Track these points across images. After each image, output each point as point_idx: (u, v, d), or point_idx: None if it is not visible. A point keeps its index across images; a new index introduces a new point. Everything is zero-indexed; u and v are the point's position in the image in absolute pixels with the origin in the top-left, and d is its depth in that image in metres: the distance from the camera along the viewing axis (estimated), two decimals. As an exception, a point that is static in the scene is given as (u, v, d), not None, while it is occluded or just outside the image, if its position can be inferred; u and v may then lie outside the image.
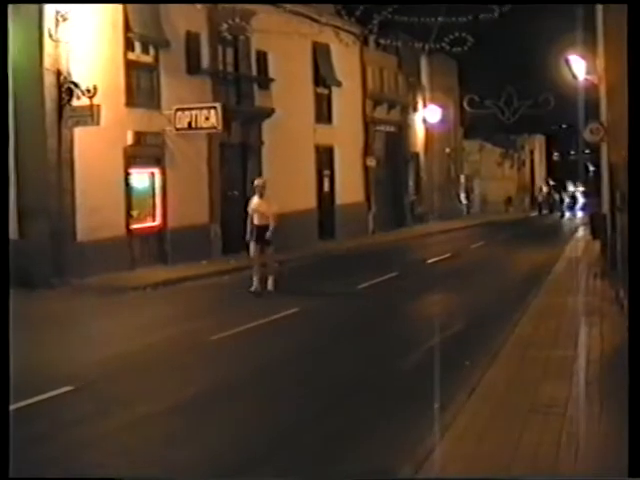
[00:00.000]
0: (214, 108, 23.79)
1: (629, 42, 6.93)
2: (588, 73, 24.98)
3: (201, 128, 24.08)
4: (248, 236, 18.87)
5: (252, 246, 18.86)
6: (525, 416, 8.43)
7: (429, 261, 26.09)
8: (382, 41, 35.59)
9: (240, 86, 28.29)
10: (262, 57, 29.34)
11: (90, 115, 20.28)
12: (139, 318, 16.35)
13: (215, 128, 23.88)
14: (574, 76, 26.66)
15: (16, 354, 12.27)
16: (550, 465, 7.02)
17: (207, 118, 23.69)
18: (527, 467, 7.02)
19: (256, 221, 18.76)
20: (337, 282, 21.13)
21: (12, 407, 9.18)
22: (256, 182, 19.67)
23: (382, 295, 19.12)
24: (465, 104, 45.38)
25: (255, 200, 19.01)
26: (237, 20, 25.43)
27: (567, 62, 26.91)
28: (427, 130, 47.61)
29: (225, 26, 24.89)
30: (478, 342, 12.95)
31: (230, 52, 27.89)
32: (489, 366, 10.83)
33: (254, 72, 28.99)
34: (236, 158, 28.24)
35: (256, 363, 12.05)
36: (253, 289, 18.62)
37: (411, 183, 45.46)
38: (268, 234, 18.60)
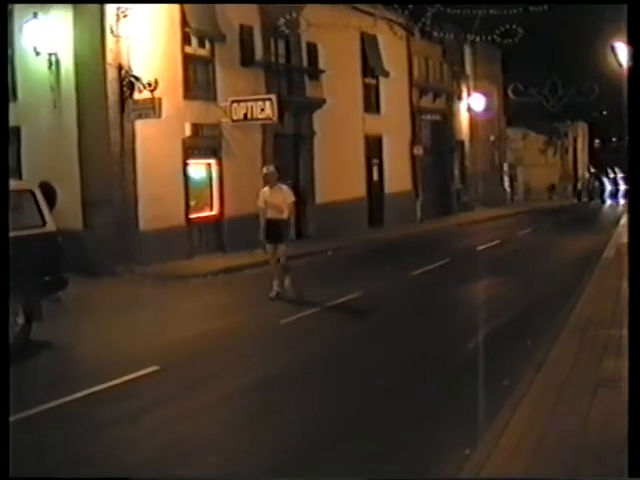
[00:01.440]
0: (269, 100, 24.30)
1: (629, 42, 7.01)
2: (634, 60, 25.07)
3: (256, 119, 24.58)
4: (262, 234, 16.61)
5: (267, 244, 16.74)
6: (592, 390, 8.84)
7: (479, 248, 26.45)
8: (431, 32, 35.91)
9: (292, 77, 28.84)
10: (312, 49, 29.83)
11: (152, 108, 20.88)
12: (205, 304, 16.96)
13: (270, 119, 24.38)
14: (619, 64, 26.82)
15: (95, 337, 13.02)
16: (622, 432, 7.43)
17: (262, 109, 24.20)
18: (599, 436, 7.45)
19: (270, 215, 16.43)
20: (392, 269, 21.56)
21: (102, 386, 9.87)
22: (265, 170, 17.26)
23: (437, 281, 19.60)
24: (509, 92, 45.70)
25: (266, 191, 16.66)
26: (292, 15, 25.89)
27: (613, 49, 27.07)
28: (471, 118, 47.82)
29: (282, 20, 25.41)
30: (538, 323, 13.37)
31: (282, 44, 28.40)
32: (552, 345, 11.25)
33: (305, 63, 29.52)
34: (289, 148, 28.78)
35: (327, 344, 12.60)
36: (273, 294, 16.41)
37: (456, 171, 45.71)
38: (284, 229, 16.68)
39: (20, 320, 12.69)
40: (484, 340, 12.24)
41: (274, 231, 16.41)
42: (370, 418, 8.85)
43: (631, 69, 6.76)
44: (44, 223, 13.40)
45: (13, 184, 14.76)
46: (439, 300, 16.66)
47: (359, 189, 33.64)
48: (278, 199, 16.49)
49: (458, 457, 7.21)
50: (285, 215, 16.52)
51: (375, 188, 35.17)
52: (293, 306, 15.71)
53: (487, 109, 48.86)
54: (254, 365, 11.32)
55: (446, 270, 21.25)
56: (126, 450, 7.91)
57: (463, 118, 47.00)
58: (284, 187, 17.04)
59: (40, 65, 21.43)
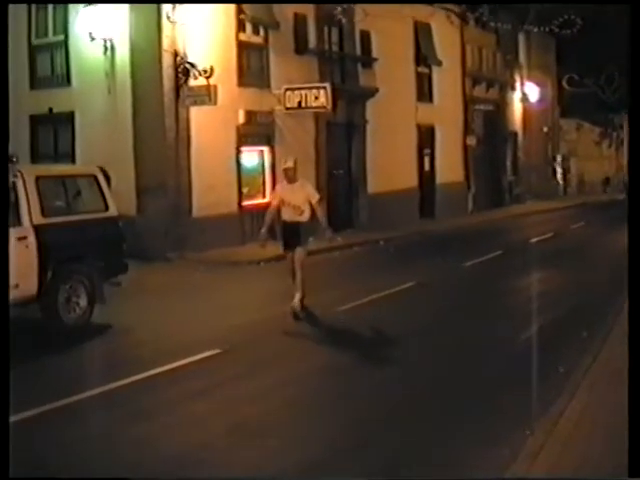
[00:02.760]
0: (323, 88, 24.68)
1: (632, 42, 7.25)
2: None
3: (310, 107, 24.97)
4: (263, 232, 14.61)
5: (286, 252, 14.76)
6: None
7: (532, 240, 26.69)
8: (486, 21, 36.10)
9: (345, 65, 29.18)
10: (365, 37, 30.14)
11: (207, 95, 21.38)
12: (261, 290, 17.43)
13: (324, 107, 24.78)
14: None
15: (156, 320, 13.53)
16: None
17: (316, 97, 24.58)
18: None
19: (286, 216, 14.33)
20: (444, 259, 21.93)
21: (168, 367, 10.35)
22: (286, 163, 14.92)
23: (491, 272, 19.93)
24: (564, 82, 45.59)
25: (283, 187, 14.79)
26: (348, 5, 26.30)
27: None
28: (525, 109, 47.84)
29: (339, 9, 25.81)
30: (593, 315, 13.70)
31: (335, 32, 28.78)
32: (607, 336, 11.59)
33: (358, 52, 29.86)
34: (341, 137, 29.16)
35: (386, 332, 13.04)
36: (294, 307, 14.16)
37: (509, 163, 45.79)
38: (326, 230, 14.89)
39: (82, 303, 13.26)
40: (539, 330, 12.58)
41: (291, 236, 14.34)
42: (427, 404, 9.26)
43: (633, 69, 6.98)
44: (107, 208, 13.94)
45: (77, 168, 15.42)
46: (493, 291, 17.01)
47: (411, 179, 33.98)
48: (298, 198, 14.25)
49: (518, 438, 7.61)
50: (305, 217, 14.33)
51: (427, 178, 35.47)
52: (349, 292, 16.19)
53: (541, 99, 48.86)
54: (314, 351, 11.79)
55: (499, 262, 21.56)
56: (190, 430, 8.37)
57: (516, 108, 47.03)
58: (306, 184, 14.93)
59: (95, 51, 21.92)
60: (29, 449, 7.56)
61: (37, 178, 12.92)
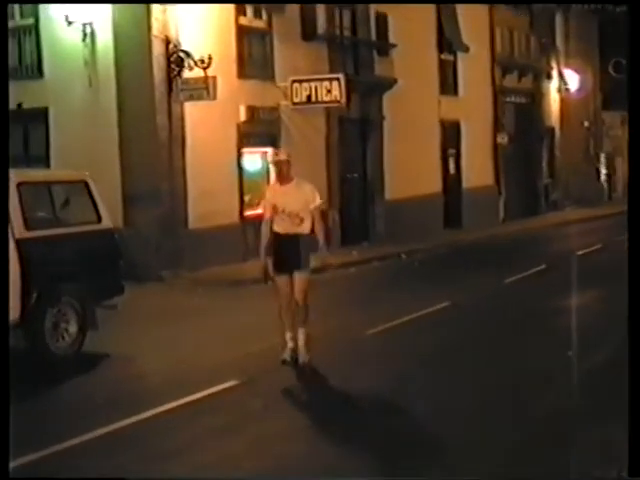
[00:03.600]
0: (336, 79, 24.75)
1: (629, 42, 7.51)
2: None
3: (322, 102, 25.07)
4: (263, 254, 12.81)
5: (276, 275, 12.83)
6: None
7: (579, 253, 26.71)
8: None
9: (358, 53, 29.31)
10: (382, 20, 30.24)
11: (205, 88, 21.42)
12: (271, 312, 17.41)
13: (338, 102, 24.86)
14: None
15: (158, 349, 13.58)
16: None
17: (329, 91, 24.64)
18: None
19: (280, 227, 12.51)
20: (479, 275, 21.98)
21: (174, 404, 10.43)
22: (275, 156, 13.97)
23: (535, 289, 19.97)
24: (610, 69, 45.42)
25: (276, 190, 12.97)
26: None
27: None
28: (562, 100, 47.82)
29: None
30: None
31: (347, 15, 28.91)
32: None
33: (374, 37, 29.98)
34: (355, 135, 29.32)
35: (418, 358, 13.14)
36: (286, 355, 12.69)
37: (544, 163, 45.81)
38: (321, 247, 12.77)
39: (72, 329, 13.31)
40: (604, 356, 12.61)
41: (287, 254, 12.45)
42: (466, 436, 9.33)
43: (631, 68, 7.18)
44: (99, 219, 14.01)
45: (65, 174, 15.48)
46: (540, 310, 16.99)
47: (433, 183, 34.09)
48: (294, 202, 12.48)
49: None
50: (305, 228, 12.50)
51: (452, 182, 35.57)
52: (376, 314, 16.31)
53: (580, 89, 48.80)
54: (340, 379, 11.85)
55: (544, 278, 21.61)
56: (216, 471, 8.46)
57: (553, 100, 46.98)
58: (304, 184, 12.87)
59: (72, 37, 21.97)
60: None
61: (19, 184, 12.86)
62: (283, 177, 12.72)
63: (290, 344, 12.65)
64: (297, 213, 12.42)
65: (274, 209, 12.52)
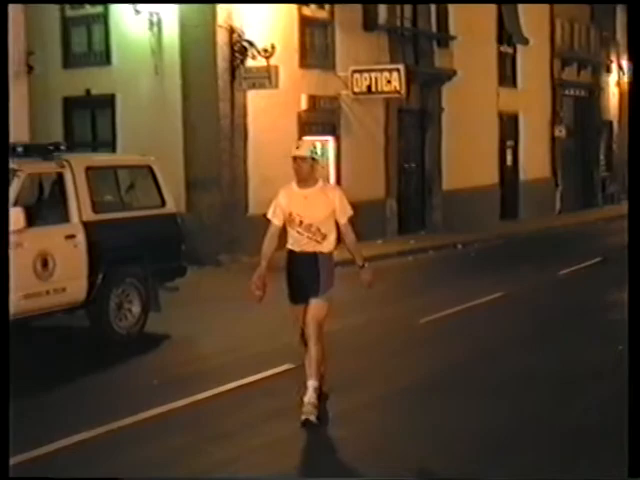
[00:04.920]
0: (397, 70, 24.86)
1: (629, 42, 7.48)
2: None
3: (382, 92, 25.19)
4: (260, 274, 9.87)
5: (292, 306, 10.19)
6: None
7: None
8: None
9: (419, 44, 29.30)
10: (442, 12, 30.28)
11: (267, 77, 21.59)
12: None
13: (398, 93, 24.96)
14: None
15: (218, 331, 13.77)
16: None
17: (389, 81, 24.75)
18: None
19: (296, 244, 9.79)
20: (533, 267, 21.90)
21: (232, 385, 10.60)
22: (297, 150, 9.89)
23: (589, 282, 19.92)
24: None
25: (293, 194, 9.86)
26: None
27: None
28: (621, 95, 47.42)
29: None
30: None
31: (408, 6, 28.91)
32: None
33: (434, 28, 30.03)
34: (413, 126, 29.39)
35: (472, 346, 13.22)
36: (306, 404, 9.44)
37: (602, 157, 45.50)
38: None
39: (135, 309, 13.55)
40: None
41: (303, 279, 9.78)
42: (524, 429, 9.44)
43: (631, 68, 7.18)
44: (163, 203, 14.22)
45: (130, 158, 15.72)
46: (596, 303, 16.98)
47: (491, 175, 34.10)
48: (318, 213, 9.66)
49: None
50: (328, 246, 9.76)
51: (509, 174, 35.55)
52: (432, 302, 16.45)
53: None
54: (397, 366, 12.03)
55: (600, 270, 21.56)
56: (273, 452, 8.66)
57: (612, 94, 46.58)
58: (332, 189, 10.35)
59: (140, 26, 22.21)
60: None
61: (87, 169, 13.17)
62: (303, 178, 9.60)
63: (310, 390, 9.53)
64: (318, 227, 9.53)
65: (289, 218, 9.62)
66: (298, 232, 9.59)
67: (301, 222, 9.54)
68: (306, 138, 24.18)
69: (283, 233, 9.72)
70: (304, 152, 9.66)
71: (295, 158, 9.59)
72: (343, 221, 9.62)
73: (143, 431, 9.18)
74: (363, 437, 9.14)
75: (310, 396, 9.40)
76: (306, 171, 9.57)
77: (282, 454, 8.58)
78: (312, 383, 9.51)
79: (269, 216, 9.85)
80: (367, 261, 9.96)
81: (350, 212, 9.69)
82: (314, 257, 9.62)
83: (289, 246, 9.76)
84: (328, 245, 9.66)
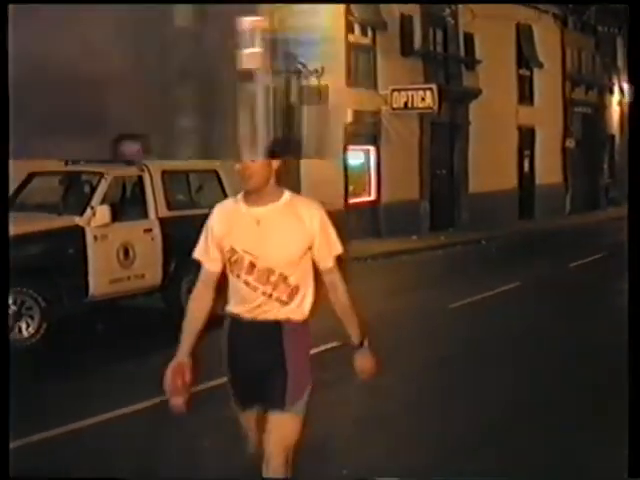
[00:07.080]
0: (430, 89, 24.77)
1: (630, 42, 7.11)
2: None
3: (417, 108, 25.07)
4: (179, 362, 5.07)
5: (240, 411, 5.08)
6: None
7: (634, 242, 26.22)
8: (590, 23, 35.61)
9: (449, 67, 29.10)
10: (469, 39, 30.04)
11: (318, 95, 21.52)
12: (370, 286, 17.36)
13: (430, 108, 24.83)
14: None
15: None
16: None
17: (423, 99, 24.66)
18: None
19: (239, 306, 4.88)
20: (548, 259, 21.60)
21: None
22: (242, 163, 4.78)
23: (596, 273, 19.60)
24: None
25: (237, 216, 4.87)
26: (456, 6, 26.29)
27: None
28: (622, 112, 47.03)
29: (447, 11, 25.79)
30: None
31: (440, 34, 28.74)
32: None
33: (462, 53, 29.76)
34: (444, 137, 29.11)
35: (499, 330, 12.92)
36: None
37: (605, 165, 45.12)
38: (362, 353, 5.19)
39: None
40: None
41: (257, 368, 4.89)
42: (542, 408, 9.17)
43: (631, 69, 6.86)
44: (227, 205, 14.06)
45: (199, 163, 15.65)
46: (602, 293, 16.63)
47: (511, 180, 33.80)
48: (281, 249, 4.78)
49: None
50: (298, 309, 4.91)
51: (526, 179, 35.27)
52: (457, 289, 16.16)
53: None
54: (427, 348, 11.78)
55: (605, 263, 21.19)
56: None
57: (614, 112, 46.25)
58: (308, 206, 4.89)
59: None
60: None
61: (163, 172, 13.29)
62: (254, 186, 4.77)
63: None
64: (284, 274, 4.80)
65: (232, 261, 4.89)
66: (247, 283, 4.83)
67: (253, 266, 4.79)
68: (351, 147, 24.22)
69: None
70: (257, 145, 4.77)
71: (244, 172, 4.76)
72: (328, 264, 4.92)
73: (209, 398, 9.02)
74: (390, 410, 8.91)
75: None
76: (260, 175, 4.74)
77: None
78: None
79: (196, 255, 5.20)
80: (365, 338, 5.26)
81: (339, 249, 4.91)
82: (276, 330, 4.86)
83: (232, 309, 4.99)
84: (301, 307, 4.91)
